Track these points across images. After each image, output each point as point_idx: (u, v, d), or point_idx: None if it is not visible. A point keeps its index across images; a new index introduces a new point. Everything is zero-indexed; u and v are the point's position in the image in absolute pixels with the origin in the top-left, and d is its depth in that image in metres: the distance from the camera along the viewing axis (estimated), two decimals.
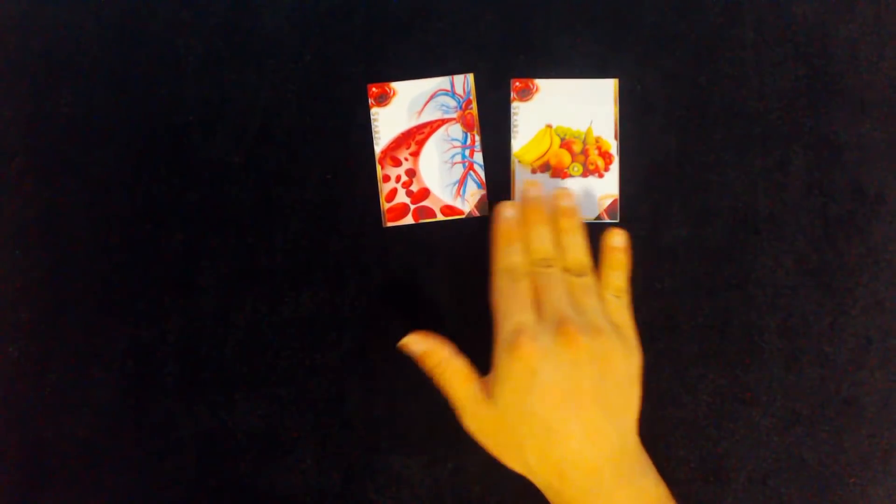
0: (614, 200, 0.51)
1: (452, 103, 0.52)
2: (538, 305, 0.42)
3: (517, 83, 0.52)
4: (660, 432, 0.50)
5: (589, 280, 0.44)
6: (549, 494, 0.42)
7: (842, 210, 0.51)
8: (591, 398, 0.40)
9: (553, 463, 0.40)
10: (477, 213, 0.51)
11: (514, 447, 0.42)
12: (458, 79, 0.52)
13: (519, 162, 0.52)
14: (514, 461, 0.42)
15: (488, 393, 0.42)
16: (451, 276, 0.51)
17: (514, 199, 0.50)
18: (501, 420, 0.41)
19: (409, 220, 0.52)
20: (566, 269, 0.44)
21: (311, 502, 0.50)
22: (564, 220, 0.46)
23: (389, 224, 0.52)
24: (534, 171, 0.52)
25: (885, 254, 0.51)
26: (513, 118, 0.52)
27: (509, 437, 0.42)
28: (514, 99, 0.52)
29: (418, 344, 0.45)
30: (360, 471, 0.50)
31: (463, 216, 0.52)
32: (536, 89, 0.52)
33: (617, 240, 0.45)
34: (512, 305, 0.42)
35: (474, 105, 0.52)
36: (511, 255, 0.44)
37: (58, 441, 0.51)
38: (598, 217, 0.51)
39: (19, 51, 0.53)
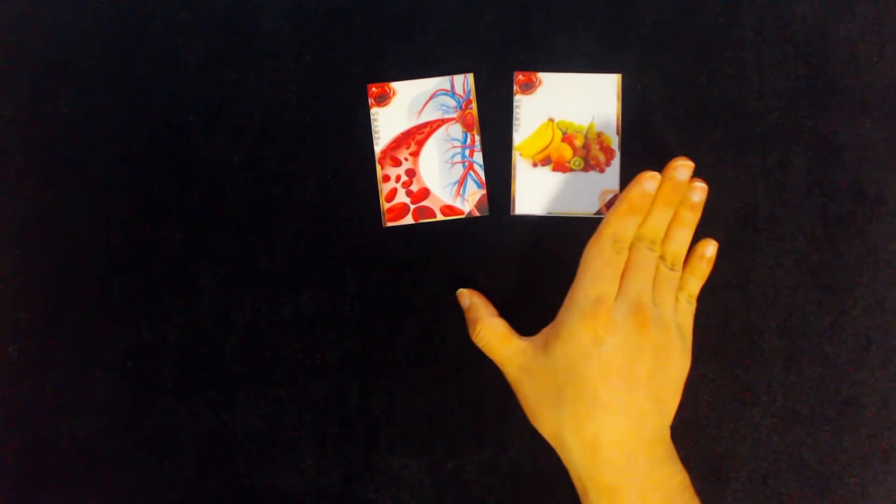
0: (615, 195, 0.51)
1: (452, 103, 0.52)
2: (624, 281, 0.43)
3: (520, 76, 0.52)
4: None
5: (676, 276, 0.46)
6: (576, 465, 0.42)
7: (842, 210, 0.51)
8: (644, 383, 0.42)
9: (589, 434, 0.41)
10: (477, 213, 0.51)
11: (554, 407, 0.42)
12: (458, 79, 0.52)
13: (520, 155, 0.52)
14: (547, 422, 0.43)
15: (542, 345, 0.43)
16: (451, 276, 0.51)
17: (651, 172, 0.46)
18: (551, 376, 0.42)
19: (409, 220, 0.52)
20: (662, 258, 0.45)
21: (311, 502, 0.50)
22: (686, 212, 0.46)
23: (389, 224, 0.52)
24: (535, 165, 0.52)
25: (885, 254, 0.51)
26: (515, 111, 0.52)
27: (553, 395, 0.42)
28: (517, 92, 0.52)
29: (464, 298, 0.47)
30: (360, 471, 0.50)
31: (463, 216, 0.52)
32: (539, 83, 0.52)
33: (709, 250, 0.47)
34: (603, 272, 0.43)
35: (474, 105, 0.52)
36: (627, 224, 0.44)
37: (58, 441, 0.51)
38: (599, 212, 0.51)
39: (19, 51, 0.53)
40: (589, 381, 0.41)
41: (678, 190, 0.46)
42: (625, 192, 0.45)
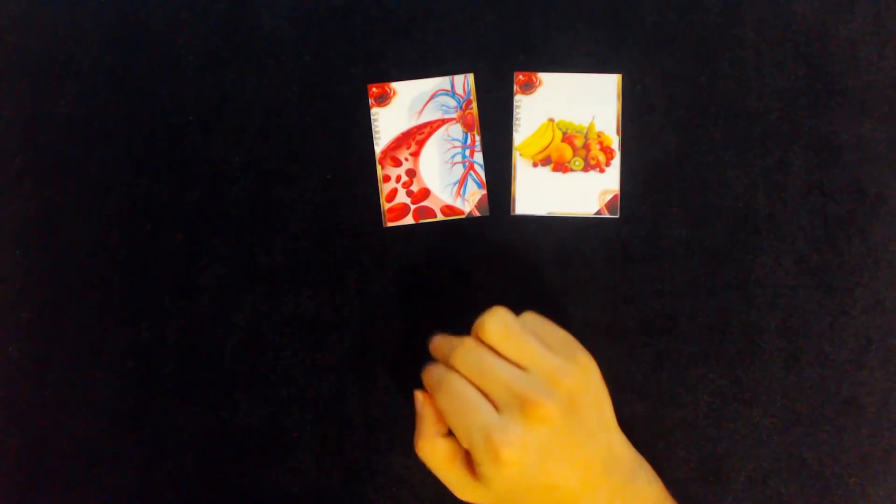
0: (615, 196, 0.51)
1: (452, 103, 0.52)
2: (485, 394, 0.40)
3: (520, 76, 0.52)
4: (660, 432, 0.50)
5: (503, 318, 0.42)
6: None
7: (842, 210, 0.51)
8: (574, 443, 0.40)
9: (555, 503, 0.41)
10: (477, 213, 0.51)
11: None
12: (458, 79, 0.52)
13: (521, 155, 0.52)
14: None
15: (478, 478, 0.40)
16: (451, 276, 0.51)
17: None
18: (501, 498, 0.41)
19: (409, 220, 0.52)
20: (478, 333, 0.42)
21: (311, 502, 0.50)
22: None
23: (389, 224, 0.52)
24: (535, 165, 0.52)
25: (885, 254, 0.51)
26: (515, 111, 0.52)
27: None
28: (517, 92, 0.52)
29: (417, 403, 0.43)
30: (360, 471, 0.50)
31: (463, 216, 0.52)
32: (539, 83, 0.52)
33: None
34: (463, 414, 0.40)
35: (474, 105, 0.52)
36: (431, 373, 0.42)
37: (58, 441, 0.51)
38: (598, 212, 0.51)
39: (19, 51, 0.53)
40: (536, 487, 0.40)
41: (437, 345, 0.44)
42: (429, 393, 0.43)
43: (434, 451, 0.41)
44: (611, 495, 0.41)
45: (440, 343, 0.44)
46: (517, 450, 0.39)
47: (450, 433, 0.42)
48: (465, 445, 0.40)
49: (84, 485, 0.50)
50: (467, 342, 0.41)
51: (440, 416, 0.42)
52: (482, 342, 0.41)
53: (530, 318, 0.43)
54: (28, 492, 0.50)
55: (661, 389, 0.50)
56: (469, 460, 0.41)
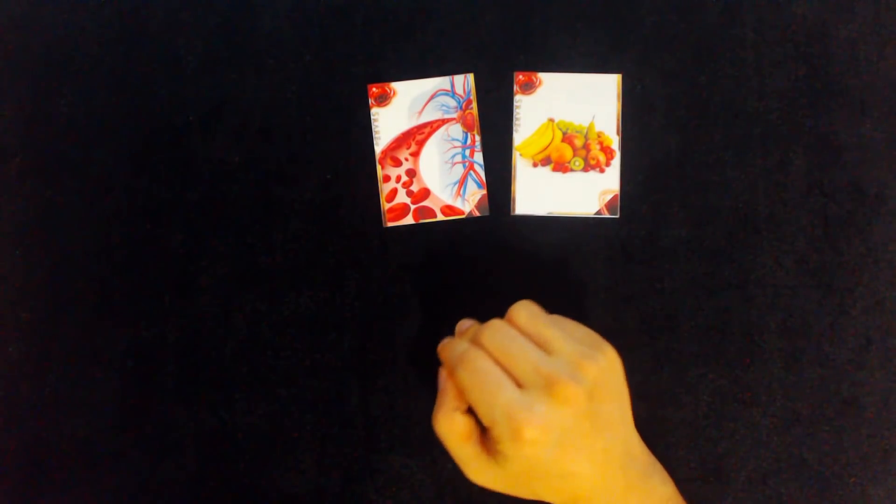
0: (615, 195, 0.51)
1: (452, 103, 0.52)
2: (510, 372, 0.40)
3: (520, 76, 0.52)
4: (660, 432, 0.50)
5: (529, 306, 0.43)
6: None
7: (842, 210, 0.51)
8: (595, 431, 0.40)
9: (570, 493, 0.41)
10: (477, 213, 0.51)
11: (528, 493, 0.41)
12: (458, 79, 0.52)
13: (521, 155, 0.52)
14: (528, 499, 0.42)
15: (493, 455, 0.40)
16: (451, 276, 0.51)
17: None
18: (512, 479, 0.41)
19: (409, 220, 0.52)
20: (506, 318, 0.42)
21: (311, 502, 0.50)
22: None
23: (389, 224, 0.52)
24: (535, 165, 0.52)
25: (885, 254, 0.51)
26: (515, 111, 0.52)
27: (521, 489, 0.41)
28: (517, 92, 0.52)
29: (441, 378, 0.43)
30: (360, 471, 0.50)
31: (463, 216, 0.52)
32: (539, 83, 0.52)
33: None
34: (486, 391, 0.39)
35: (474, 105, 0.52)
36: (453, 348, 0.42)
37: (58, 441, 0.51)
38: (599, 212, 0.51)
39: (19, 51, 0.53)
40: (550, 471, 0.40)
41: (462, 325, 0.46)
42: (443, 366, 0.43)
43: (452, 426, 0.41)
44: (627, 490, 0.41)
45: (466, 325, 0.45)
46: (540, 429, 0.38)
47: (469, 411, 0.41)
48: (486, 422, 0.40)
49: (84, 485, 0.50)
50: (496, 322, 0.42)
51: (461, 393, 0.41)
52: (508, 321, 0.42)
53: (557, 316, 0.43)
54: (28, 492, 0.50)
55: (661, 389, 0.50)
56: (485, 440, 0.41)
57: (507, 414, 0.38)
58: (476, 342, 0.41)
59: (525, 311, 0.42)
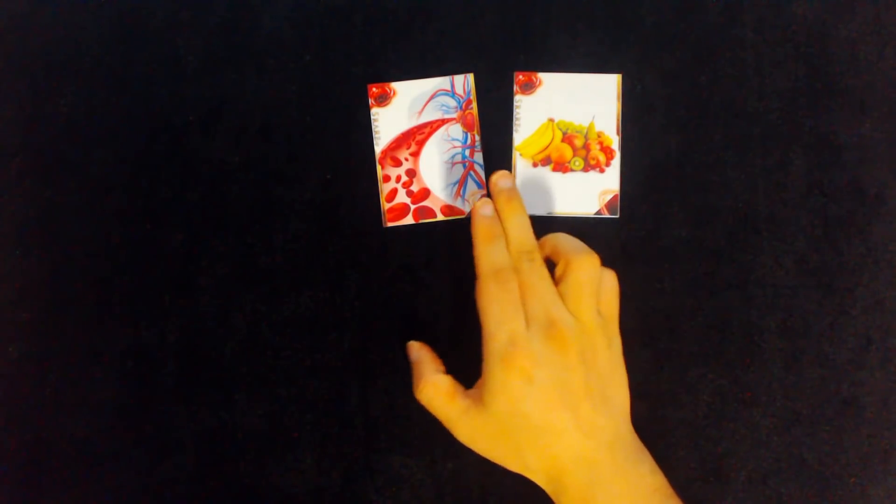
0: (615, 196, 0.51)
1: (452, 103, 0.52)
2: (524, 305, 0.42)
3: (520, 76, 0.52)
4: (660, 432, 0.50)
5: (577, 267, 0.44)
6: (549, 489, 0.42)
7: (842, 210, 0.51)
8: (584, 394, 0.41)
9: (552, 459, 0.41)
10: None
11: (513, 451, 0.42)
12: (458, 79, 0.52)
13: (521, 155, 0.52)
14: (513, 464, 0.42)
15: (480, 401, 0.42)
16: (451, 276, 0.51)
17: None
18: (497, 427, 0.42)
19: (409, 220, 0.52)
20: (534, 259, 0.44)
21: (311, 502, 0.50)
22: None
23: (389, 224, 0.52)
24: (535, 165, 0.52)
25: (885, 254, 0.51)
26: (515, 111, 0.52)
27: (506, 442, 0.42)
28: (517, 92, 0.52)
29: (412, 352, 0.46)
30: (360, 471, 0.50)
31: (463, 216, 0.52)
32: (539, 83, 0.52)
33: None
34: (502, 312, 0.42)
35: (474, 105, 0.52)
36: (495, 253, 0.44)
37: (58, 441, 0.51)
38: (599, 212, 0.51)
39: (19, 51, 0.53)
40: (533, 418, 0.41)
41: (514, 195, 0.46)
42: (473, 228, 0.45)
43: (436, 388, 0.43)
44: (613, 472, 0.41)
45: (514, 206, 0.46)
46: (530, 360, 0.40)
47: (447, 372, 0.44)
48: (487, 337, 0.42)
49: (84, 485, 0.50)
50: (537, 260, 0.44)
51: (436, 359, 0.45)
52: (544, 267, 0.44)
53: (611, 282, 0.45)
54: (28, 492, 0.50)
55: (661, 389, 0.50)
56: (470, 394, 0.43)
57: (508, 339, 0.41)
58: (516, 261, 0.43)
59: (587, 272, 0.43)
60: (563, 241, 0.45)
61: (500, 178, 0.47)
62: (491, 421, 0.42)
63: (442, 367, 0.45)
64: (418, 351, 0.46)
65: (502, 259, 0.44)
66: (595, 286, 0.43)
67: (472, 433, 0.43)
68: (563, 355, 0.41)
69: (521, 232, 0.45)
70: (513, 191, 0.46)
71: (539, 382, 0.40)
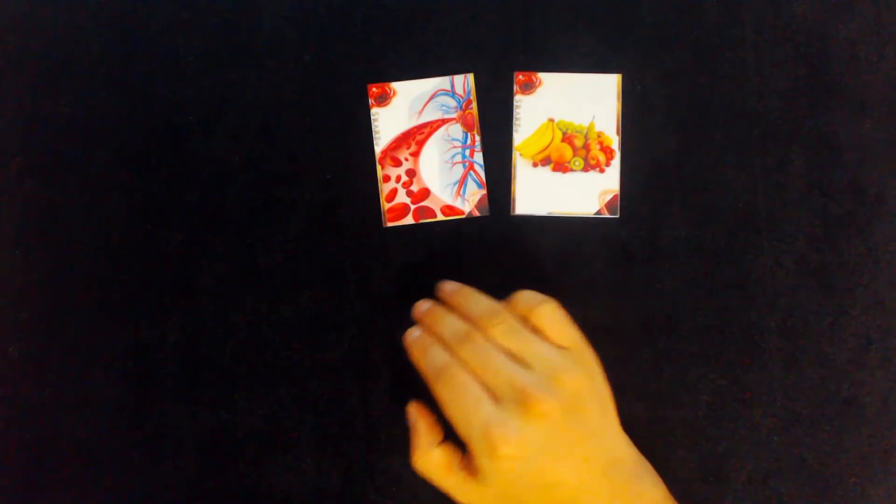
0: (615, 196, 0.51)
1: (452, 103, 0.52)
2: (486, 385, 0.40)
3: (520, 76, 0.52)
4: (660, 432, 0.50)
5: (508, 319, 0.43)
6: None
7: (842, 210, 0.51)
8: (574, 441, 0.40)
9: (555, 502, 0.41)
10: (477, 213, 0.51)
11: None
12: (458, 79, 0.52)
13: (521, 155, 0.52)
14: None
15: (476, 474, 0.41)
16: (451, 276, 0.51)
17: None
18: (497, 497, 0.41)
19: (409, 220, 0.52)
20: (484, 327, 0.43)
21: (311, 502, 0.50)
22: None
23: (389, 224, 0.52)
24: (535, 165, 0.52)
25: (885, 254, 0.51)
26: (515, 111, 0.52)
27: (512, 502, 0.41)
28: (517, 92, 0.52)
29: (410, 417, 0.44)
30: (360, 471, 0.50)
31: (463, 216, 0.52)
32: (539, 83, 0.52)
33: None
34: (464, 406, 0.40)
35: (474, 105, 0.52)
36: (430, 357, 0.42)
37: (58, 441, 0.51)
38: (598, 212, 0.51)
39: (19, 51, 0.53)
40: (532, 485, 0.40)
41: (430, 304, 0.45)
42: (410, 356, 0.43)
43: (431, 462, 0.43)
44: (612, 495, 0.41)
45: (424, 308, 0.45)
46: (514, 445, 0.39)
47: (444, 441, 0.43)
48: (464, 437, 0.40)
49: (84, 485, 0.50)
50: (475, 337, 0.42)
51: (433, 426, 0.43)
52: (487, 333, 0.42)
53: (549, 308, 0.43)
54: (28, 492, 0.50)
55: (661, 389, 0.50)
56: (466, 463, 0.42)
57: (483, 431, 0.39)
58: (455, 353, 0.42)
59: (505, 324, 0.42)
60: (442, 313, 0.44)
61: (444, 284, 0.46)
62: (489, 492, 0.41)
63: (439, 436, 0.43)
64: (416, 418, 0.44)
65: (440, 359, 0.42)
66: (527, 328, 0.42)
67: (472, 499, 0.42)
68: (547, 420, 0.40)
69: (450, 324, 0.43)
70: (425, 303, 0.45)
71: (530, 458, 0.40)
